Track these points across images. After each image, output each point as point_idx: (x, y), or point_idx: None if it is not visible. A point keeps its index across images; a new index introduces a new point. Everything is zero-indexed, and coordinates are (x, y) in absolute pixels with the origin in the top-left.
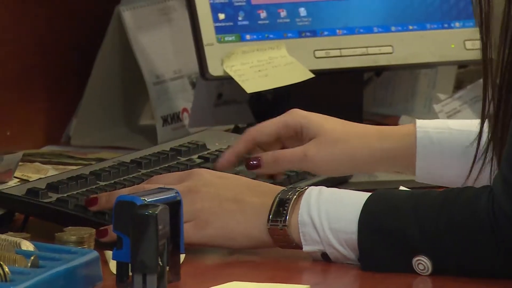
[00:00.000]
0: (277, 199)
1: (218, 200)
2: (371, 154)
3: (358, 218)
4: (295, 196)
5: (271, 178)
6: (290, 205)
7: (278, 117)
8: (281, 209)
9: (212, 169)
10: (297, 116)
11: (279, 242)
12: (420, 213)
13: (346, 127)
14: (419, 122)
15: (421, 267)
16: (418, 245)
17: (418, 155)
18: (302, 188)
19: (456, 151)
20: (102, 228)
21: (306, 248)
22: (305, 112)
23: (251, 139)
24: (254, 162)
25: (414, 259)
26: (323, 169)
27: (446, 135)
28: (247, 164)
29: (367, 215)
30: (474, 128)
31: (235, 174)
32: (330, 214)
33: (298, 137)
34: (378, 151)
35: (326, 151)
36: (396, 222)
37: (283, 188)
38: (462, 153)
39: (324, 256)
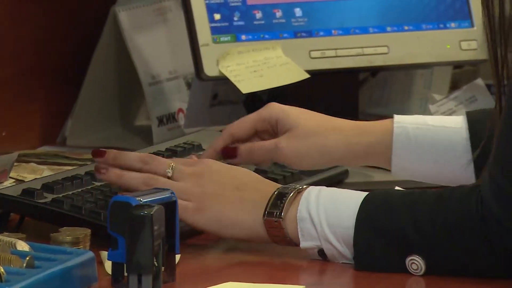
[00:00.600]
0: (276, 193)
1: (221, 187)
2: (347, 149)
3: (355, 214)
4: (293, 192)
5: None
6: (288, 199)
7: (255, 112)
8: (278, 201)
9: None
10: (273, 109)
11: (273, 235)
12: (415, 213)
13: (321, 121)
14: (397, 118)
15: (414, 266)
16: (412, 244)
17: (394, 151)
18: (302, 186)
19: (432, 147)
20: (101, 148)
21: (303, 244)
22: (282, 105)
23: (229, 135)
24: (231, 152)
25: (408, 259)
26: (294, 161)
27: (423, 131)
28: (224, 153)
29: (363, 213)
30: (452, 125)
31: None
32: (328, 210)
33: (274, 130)
34: (354, 146)
35: (296, 144)
36: (392, 222)
37: (283, 185)
38: (438, 149)
39: (321, 253)
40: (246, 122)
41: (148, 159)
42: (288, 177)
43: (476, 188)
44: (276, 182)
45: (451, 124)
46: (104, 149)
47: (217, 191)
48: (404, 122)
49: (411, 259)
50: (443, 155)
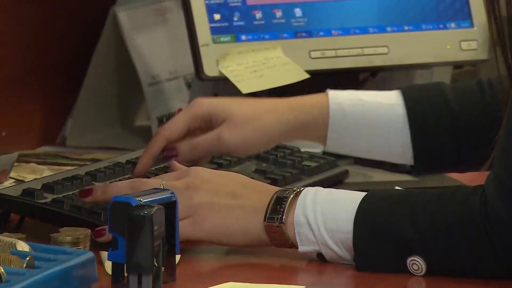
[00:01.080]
0: (275, 197)
1: (217, 196)
2: (284, 128)
3: (353, 217)
4: (292, 195)
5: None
6: (287, 203)
7: (184, 111)
8: (278, 207)
9: (132, 177)
10: (203, 105)
11: (275, 240)
12: (415, 213)
13: (255, 105)
14: (332, 94)
15: (415, 267)
16: (413, 245)
17: (330, 127)
18: (300, 188)
19: (368, 124)
20: (99, 228)
21: (301, 248)
22: (210, 99)
23: (163, 139)
24: (171, 152)
25: (408, 259)
26: (239, 150)
27: (359, 107)
28: (164, 155)
29: (362, 214)
30: (388, 101)
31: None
32: (326, 214)
33: (207, 125)
34: (291, 123)
35: (239, 133)
36: (391, 222)
37: (280, 188)
38: (374, 125)
39: (320, 257)
40: (179, 123)
41: (137, 184)
42: (288, 177)
43: (479, 188)
44: (276, 182)
45: (386, 100)
46: (89, 187)
47: (213, 201)
48: (339, 98)
49: (412, 260)
50: (380, 132)
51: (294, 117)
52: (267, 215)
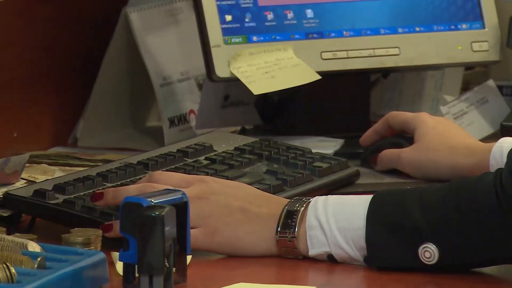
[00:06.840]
0: (285, 210)
1: (228, 209)
2: (454, 169)
3: (365, 213)
4: (302, 208)
5: None
6: (298, 216)
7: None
8: (289, 221)
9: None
10: (414, 119)
11: (286, 254)
12: (425, 202)
13: (441, 139)
14: (504, 138)
15: (427, 255)
16: (424, 231)
17: (490, 168)
18: (309, 199)
19: None
20: (108, 222)
21: (312, 252)
22: (427, 117)
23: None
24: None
25: (421, 247)
26: (409, 170)
27: None
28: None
29: (374, 209)
30: None
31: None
32: (337, 214)
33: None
34: (461, 166)
35: (414, 156)
36: (403, 213)
37: (289, 200)
38: None
39: (330, 258)
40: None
41: (148, 189)
42: (299, 178)
43: (489, 173)
44: (287, 183)
45: None
46: (100, 191)
47: (224, 213)
48: (505, 142)
49: (424, 247)
50: None
51: (464, 161)
52: (279, 229)
